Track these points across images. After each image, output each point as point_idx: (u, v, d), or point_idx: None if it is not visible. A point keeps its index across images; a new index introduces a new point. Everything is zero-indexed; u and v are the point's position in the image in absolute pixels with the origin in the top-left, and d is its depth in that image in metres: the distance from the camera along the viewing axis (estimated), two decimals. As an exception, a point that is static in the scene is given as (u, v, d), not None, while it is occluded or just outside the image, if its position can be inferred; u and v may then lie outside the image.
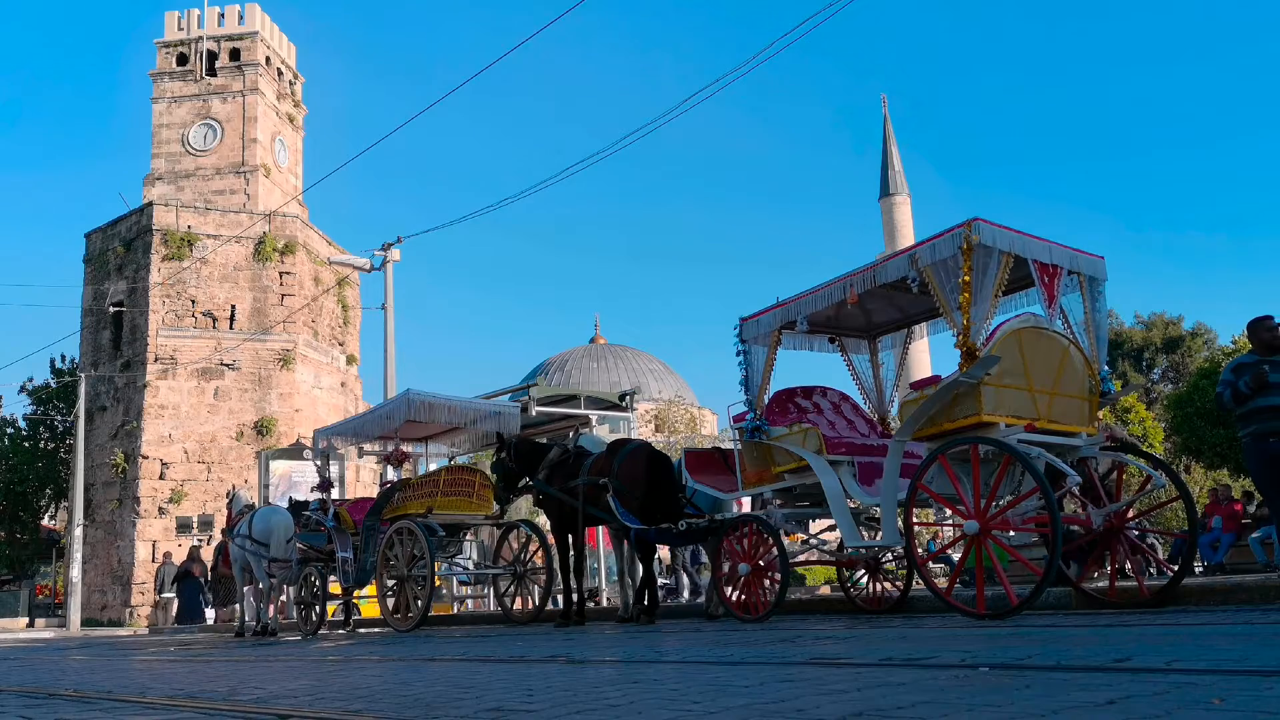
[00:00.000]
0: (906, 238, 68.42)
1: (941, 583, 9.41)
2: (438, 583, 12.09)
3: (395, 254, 21.52)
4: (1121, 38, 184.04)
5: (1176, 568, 7.71)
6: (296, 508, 12.94)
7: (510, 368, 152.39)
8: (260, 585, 13.49)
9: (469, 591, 16.13)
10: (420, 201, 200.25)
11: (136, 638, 18.10)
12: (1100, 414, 8.17)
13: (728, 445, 9.13)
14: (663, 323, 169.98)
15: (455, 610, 16.11)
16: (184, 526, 30.43)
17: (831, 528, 8.04)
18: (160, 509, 31.65)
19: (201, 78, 38.06)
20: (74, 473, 30.26)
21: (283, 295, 34.27)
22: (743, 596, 7.88)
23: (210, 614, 22.75)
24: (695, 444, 31.45)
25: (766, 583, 7.79)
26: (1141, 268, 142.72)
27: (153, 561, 27.82)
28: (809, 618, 8.93)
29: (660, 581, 13.96)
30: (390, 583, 11.08)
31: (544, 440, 12.57)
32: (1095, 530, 7.08)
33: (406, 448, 12.87)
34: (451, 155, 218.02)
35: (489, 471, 11.48)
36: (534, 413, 13.33)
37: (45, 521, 40.26)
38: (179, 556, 31.26)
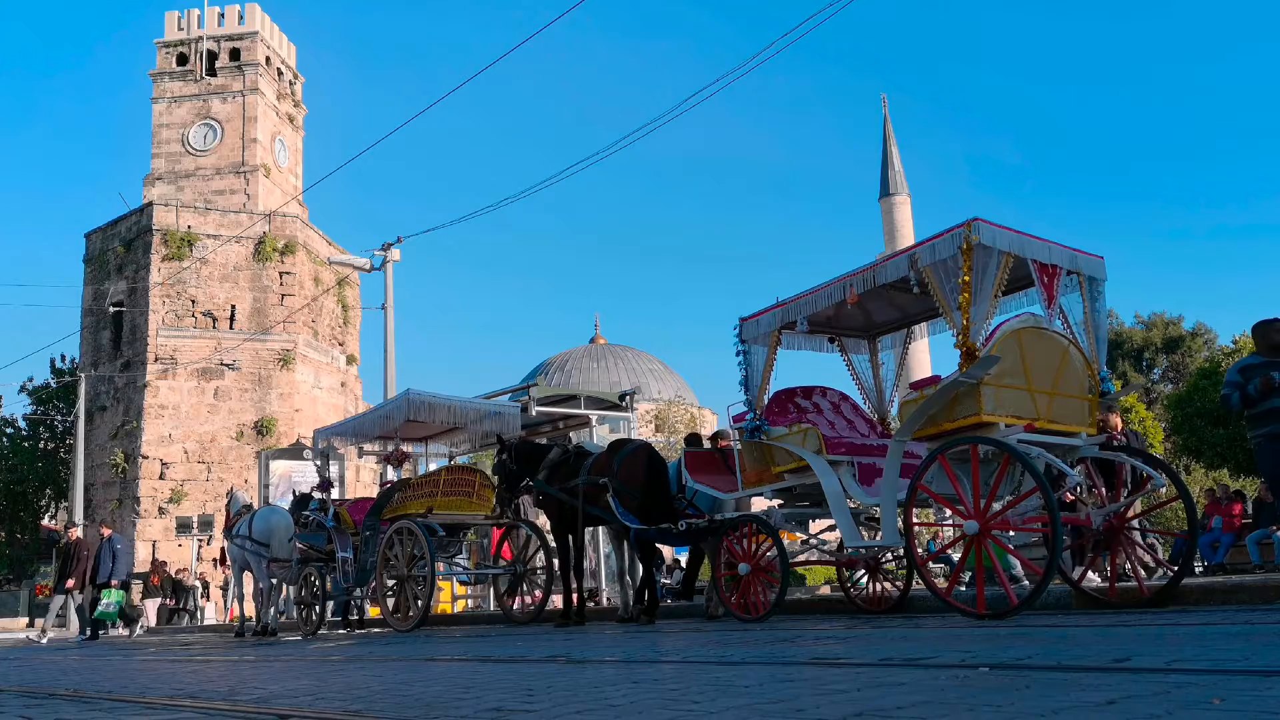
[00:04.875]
0: (906, 238, 68.42)
1: (941, 583, 9.41)
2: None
3: (395, 254, 21.53)
4: (1122, 37, 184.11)
5: (1176, 568, 7.71)
6: (299, 502, 12.93)
7: (510, 368, 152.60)
8: (261, 585, 13.50)
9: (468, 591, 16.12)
10: (420, 201, 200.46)
11: (136, 638, 18.11)
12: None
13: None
14: (663, 323, 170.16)
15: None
16: (184, 526, 30.42)
17: (831, 528, 8.04)
18: (160, 509, 31.66)
19: (201, 78, 38.06)
20: (74, 473, 30.27)
21: (283, 295, 34.27)
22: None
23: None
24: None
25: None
26: (1141, 268, 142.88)
27: (152, 562, 27.80)
28: (809, 618, 8.93)
29: (662, 581, 13.96)
30: (390, 583, 11.08)
31: (544, 441, 12.57)
32: (1096, 530, 7.09)
33: (406, 448, 12.86)
34: (451, 155, 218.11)
35: (489, 472, 11.48)
36: (534, 413, 13.32)
37: (45, 521, 40.28)
38: (180, 557, 31.23)
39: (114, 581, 17.12)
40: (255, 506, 14.73)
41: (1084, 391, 6.99)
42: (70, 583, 16.86)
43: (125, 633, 18.17)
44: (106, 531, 18.12)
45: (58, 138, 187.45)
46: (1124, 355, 43.30)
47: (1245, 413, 7.53)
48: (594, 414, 14.44)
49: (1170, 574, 7.57)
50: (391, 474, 13.63)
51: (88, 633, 17.87)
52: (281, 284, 34.37)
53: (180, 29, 38.64)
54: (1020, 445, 6.21)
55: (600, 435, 14.35)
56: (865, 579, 9.32)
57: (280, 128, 39.66)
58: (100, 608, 17.14)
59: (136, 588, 25.57)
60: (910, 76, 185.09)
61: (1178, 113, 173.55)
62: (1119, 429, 9.30)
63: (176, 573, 26.86)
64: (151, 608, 24.56)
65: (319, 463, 13.43)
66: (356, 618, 13.53)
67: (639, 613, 9.41)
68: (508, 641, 7.45)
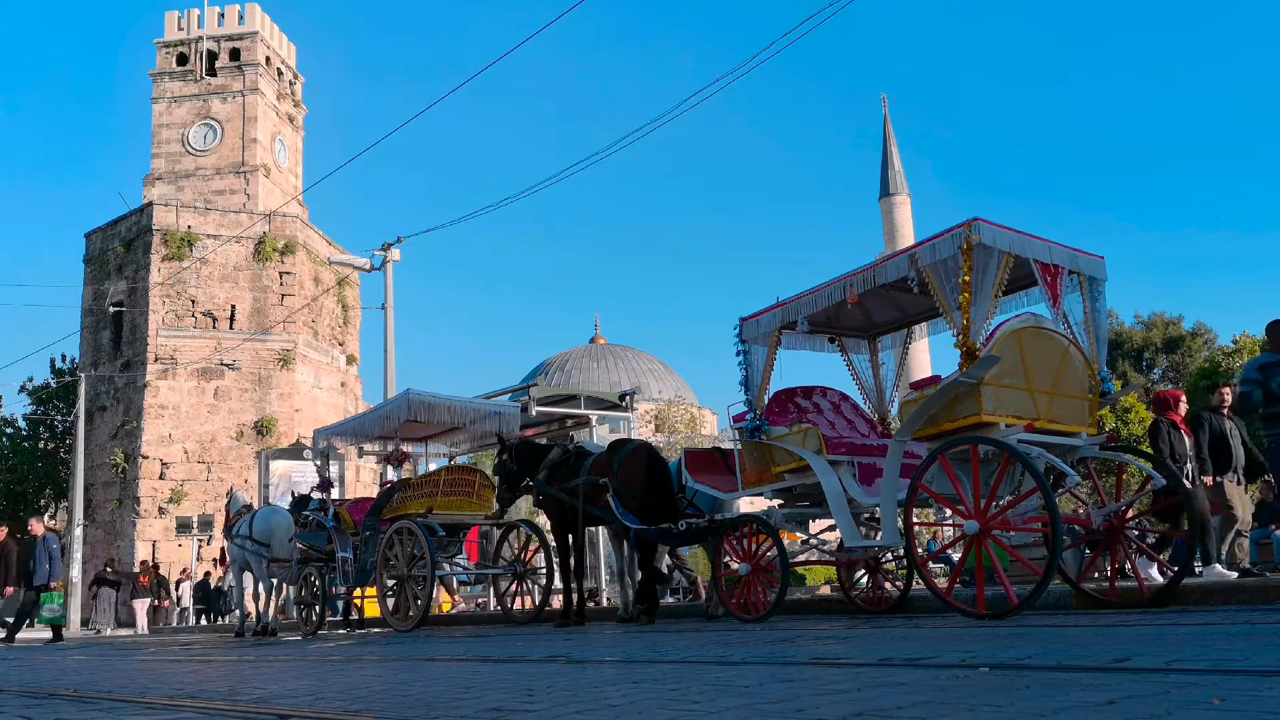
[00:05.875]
0: (906, 238, 68.44)
1: (941, 583, 9.41)
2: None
3: (395, 254, 21.53)
4: (1121, 37, 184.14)
5: (1177, 568, 7.71)
6: (299, 503, 12.92)
7: (510, 368, 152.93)
8: (261, 585, 13.49)
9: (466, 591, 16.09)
10: (420, 201, 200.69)
11: (136, 638, 18.09)
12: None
13: (728, 445, 9.13)
14: (663, 323, 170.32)
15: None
16: (184, 526, 30.44)
17: (831, 528, 8.04)
18: (160, 509, 31.66)
19: (201, 78, 38.07)
20: (74, 473, 30.25)
21: (283, 295, 34.27)
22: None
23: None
24: (695, 444, 31.45)
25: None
26: (1142, 268, 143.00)
27: (142, 562, 27.81)
28: (809, 618, 8.93)
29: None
30: (390, 583, 11.08)
31: (544, 441, 12.57)
32: (1096, 530, 7.09)
33: (406, 448, 12.86)
34: (451, 155, 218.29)
35: (489, 472, 11.48)
36: (534, 413, 13.32)
37: (46, 522, 40.29)
38: (181, 557, 31.23)
39: (54, 584, 15.97)
40: (255, 506, 14.72)
41: (1084, 391, 6.99)
42: (9, 590, 15.60)
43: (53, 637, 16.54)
44: (39, 529, 16.29)
45: (58, 138, 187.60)
46: (1124, 355, 43.24)
47: (1262, 411, 7.54)
48: (594, 414, 14.44)
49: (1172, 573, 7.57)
50: (391, 474, 13.62)
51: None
52: (281, 284, 34.37)
53: (180, 29, 38.64)
54: (1020, 445, 6.21)
55: (600, 435, 14.35)
56: (865, 579, 9.31)
57: (280, 128, 39.66)
58: (47, 614, 16.10)
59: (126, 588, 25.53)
60: (910, 77, 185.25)
61: (1177, 112, 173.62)
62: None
63: (206, 575, 26.70)
64: (140, 609, 24.46)
65: (319, 463, 13.43)
66: (357, 618, 13.54)
67: (639, 613, 9.41)
68: (508, 641, 7.44)
